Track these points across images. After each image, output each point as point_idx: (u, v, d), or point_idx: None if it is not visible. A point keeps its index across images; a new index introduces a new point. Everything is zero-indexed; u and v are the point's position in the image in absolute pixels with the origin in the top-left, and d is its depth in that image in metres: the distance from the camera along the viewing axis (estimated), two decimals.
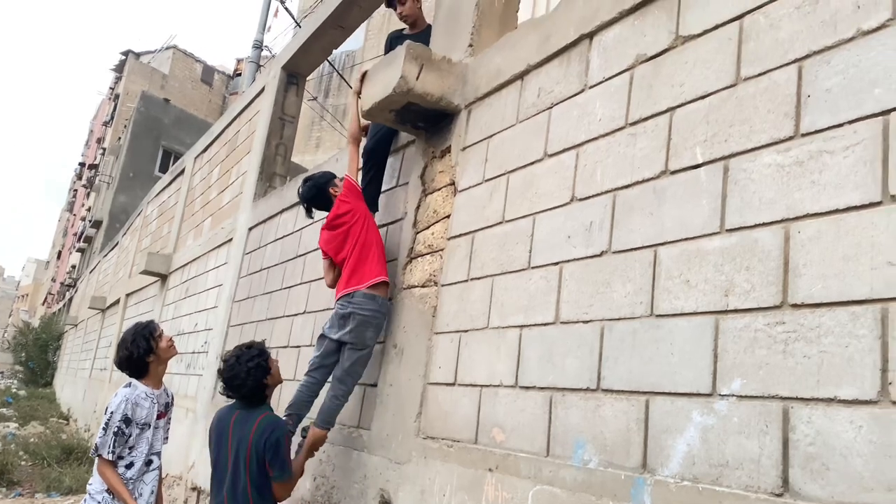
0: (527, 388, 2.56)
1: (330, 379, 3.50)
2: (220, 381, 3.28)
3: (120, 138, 29.85)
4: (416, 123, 3.63)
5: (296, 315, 4.93)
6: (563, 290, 2.50)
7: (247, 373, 3.14)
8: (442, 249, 3.33)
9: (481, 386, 2.79)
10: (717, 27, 2.18)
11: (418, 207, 3.62)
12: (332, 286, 3.78)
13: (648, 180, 2.28)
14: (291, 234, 5.42)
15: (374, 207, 3.95)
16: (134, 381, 3.51)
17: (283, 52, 7.17)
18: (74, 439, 11.75)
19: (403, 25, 4.39)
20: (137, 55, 36.54)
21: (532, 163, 2.85)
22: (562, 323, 2.47)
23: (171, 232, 9.97)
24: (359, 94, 3.68)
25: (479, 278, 2.98)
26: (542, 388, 2.48)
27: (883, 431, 1.51)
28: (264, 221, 6.14)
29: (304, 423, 3.59)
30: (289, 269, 5.30)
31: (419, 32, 4.22)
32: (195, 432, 6.46)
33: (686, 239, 2.09)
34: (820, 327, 1.68)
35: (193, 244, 8.55)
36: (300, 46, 6.49)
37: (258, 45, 10.61)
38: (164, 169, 26.87)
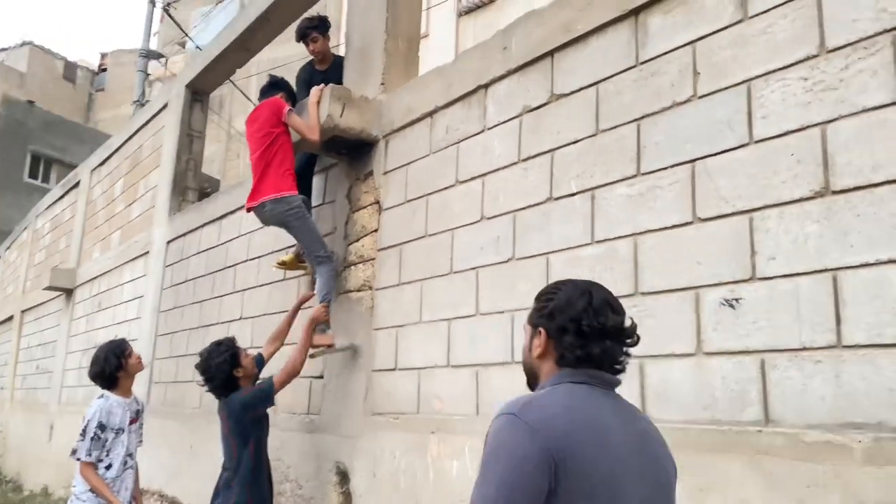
0: (457, 366, 3.29)
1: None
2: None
3: None
4: (340, 151, 4.26)
5: (231, 321, 5.43)
6: (481, 289, 3.24)
7: (216, 367, 3.68)
8: (373, 259, 3.99)
9: (419, 368, 3.50)
10: (581, 89, 2.96)
11: (347, 223, 4.25)
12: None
13: (539, 204, 3.04)
14: (217, 246, 5.88)
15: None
16: (106, 392, 3.97)
17: (186, 70, 7.48)
18: None
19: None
20: None
21: (447, 187, 3.56)
22: (481, 314, 3.21)
23: (72, 246, 9.96)
24: (317, 103, 4.06)
25: (409, 282, 3.67)
26: (469, 366, 3.22)
27: (699, 372, 2.35)
28: (184, 235, 6.53)
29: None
30: (218, 279, 5.76)
31: (329, 68, 4.82)
32: None
33: (568, 248, 2.87)
34: (659, 307, 2.50)
35: (102, 257, 8.70)
36: (205, 67, 6.86)
37: (145, 55, 10.67)
38: (34, 175, 25.55)
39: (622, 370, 1.59)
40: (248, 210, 4.18)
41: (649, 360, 2.50)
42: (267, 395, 3.66)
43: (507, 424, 1.42)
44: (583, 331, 1.55)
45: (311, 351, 3.92)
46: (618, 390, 1.59)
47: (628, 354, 1.59)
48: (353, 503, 3.78)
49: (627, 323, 1.59)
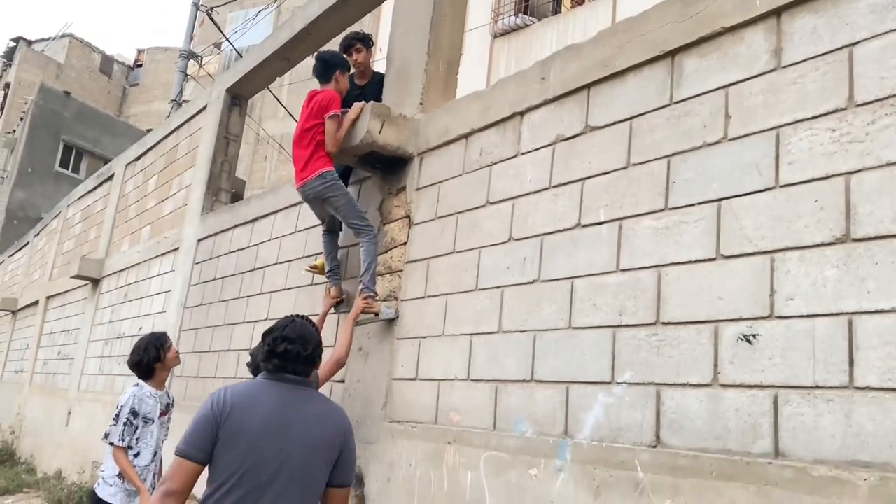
0: (477, 380, 3.40)
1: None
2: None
3: (14, 131, 28.60)
4: (375, 165, 4.40)
5: (257, 321, 5.58)
6: (505, 308, 3.35)
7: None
8: (400, 271, 4.12)
9: (439, 380, 3.61)
10: (614, 123, 3.08)
11: (377, 234, 4.38)
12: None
13: (567, 230, 3.16)
14: (247, 248, 6.04)
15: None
16: (141, 381, 4.12)
17: (226, 74, 7.69)
18: None
19: None
20: (30, 42, 34.90)
21: (477, 207, 3.69)
22: (504, 332, 3.32)
23: (102, 237, 10.20)
24: (354, 119, 4.19)
25: (434, 296, 3.80)
26: (489, 381, 3.33)
27: (713, 403, 2.44)
28: (215, 234, 6.70)
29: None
30: (246, 280, 5.92)
31: (368, 83, 4.97)
32: None
33: (593, 274, 2.98)
34: (679, 338, 2.60)
35: (131, 251, 8.91)
36: (245, 74, 7.06)
37: (185, 56, 10.95)
38: (64, 164, 26.09)
39: (305, 375, 2.66)
40: (298, 188, 4.35)
41: (666, 388, 2.59)
42: None
43: (206, 400, 2.52)
44: (265, 351, 2.63)
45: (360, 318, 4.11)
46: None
47: (312, 369, 2.69)
48: None
49: (305, 352, 2.63)
